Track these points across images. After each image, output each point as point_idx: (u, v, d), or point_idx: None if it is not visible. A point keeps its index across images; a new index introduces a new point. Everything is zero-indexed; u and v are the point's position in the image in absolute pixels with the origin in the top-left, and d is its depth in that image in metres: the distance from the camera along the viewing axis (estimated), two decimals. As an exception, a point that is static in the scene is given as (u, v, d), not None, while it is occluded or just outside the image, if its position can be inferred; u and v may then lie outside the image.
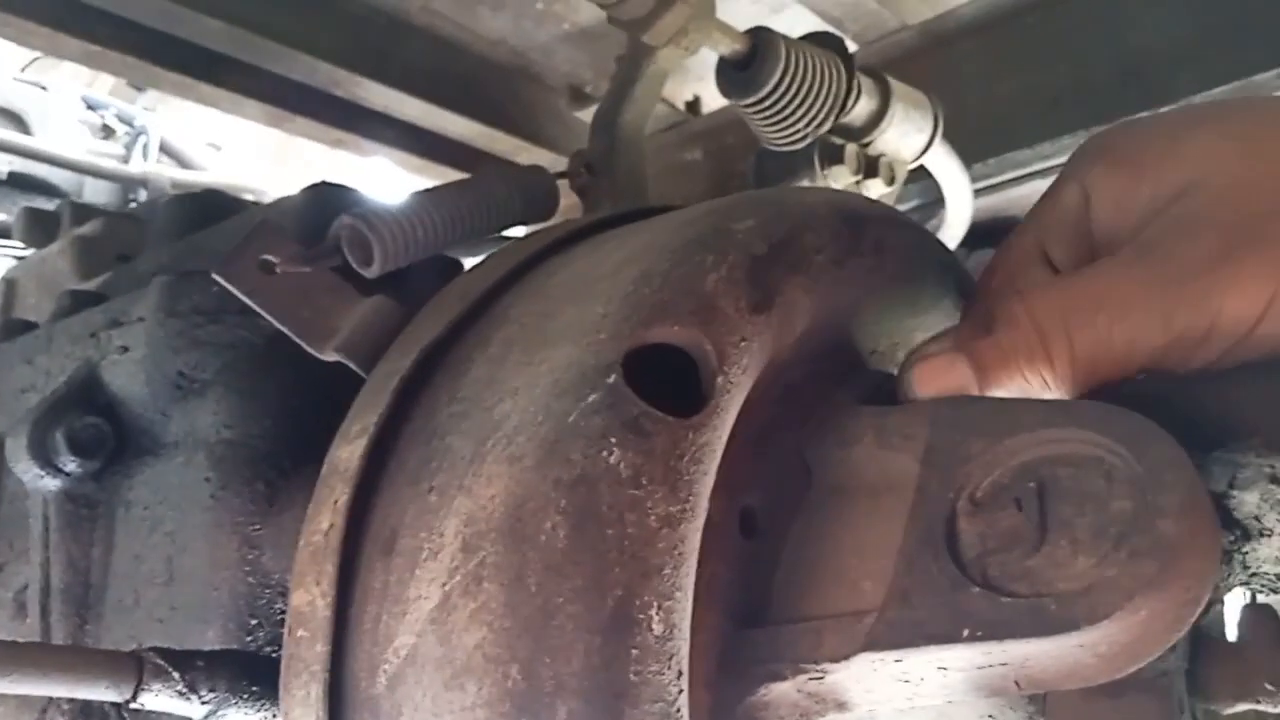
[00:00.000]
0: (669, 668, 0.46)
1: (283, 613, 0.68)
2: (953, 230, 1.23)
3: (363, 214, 0.68)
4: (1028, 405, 0.53)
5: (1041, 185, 0.65)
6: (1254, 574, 0.52)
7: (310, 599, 0.55)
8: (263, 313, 0.65)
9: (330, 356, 0.65)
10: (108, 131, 2.22)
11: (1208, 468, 0.51)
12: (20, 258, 1.58)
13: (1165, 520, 0.44)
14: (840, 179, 1.04)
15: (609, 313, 0.54)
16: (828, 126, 0.94)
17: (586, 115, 1.70)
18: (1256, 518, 0.50)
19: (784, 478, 0.58)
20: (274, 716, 0.60)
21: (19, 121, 2.11)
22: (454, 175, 1.63)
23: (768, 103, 0.91)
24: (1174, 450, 0.46)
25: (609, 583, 0.46)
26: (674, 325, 0.52)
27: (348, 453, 0.58)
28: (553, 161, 1.54)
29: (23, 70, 2.35)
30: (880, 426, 0.57)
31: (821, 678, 0.50)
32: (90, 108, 2.24)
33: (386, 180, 2.05)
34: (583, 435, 0.49)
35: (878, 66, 1.05)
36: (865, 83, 0.98)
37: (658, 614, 0.46)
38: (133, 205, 2.03)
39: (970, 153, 1.23)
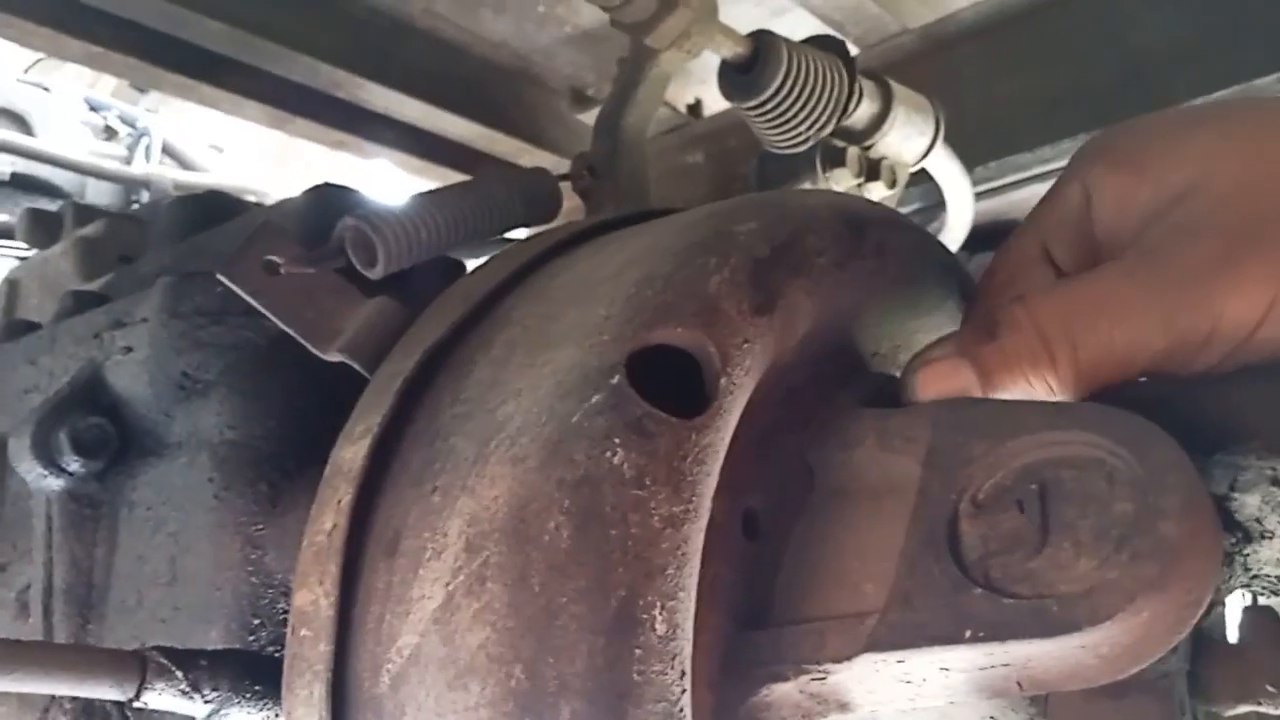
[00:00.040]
0: (672, 668, 0.46)
1: (285, 613, 0.68)
2: (954, 233, 1.23)
3: (366, 215, 0.69)
4: (1030, 407, 0.53)
5: (1042, 189, 0.65)
6: (1255, 576, 0.52)
7: (313, 598, 0.55)
8: (267, 313, 0.65)
9: (334, 357, 0.65)
10: (110, 133, 2.22)
11: (1209, 470, 0.51)
12: (23, 259, 1.59)
13: (1167, 522, 0.45)
14: (842, 182, 1.04)
15: (612, 314, 0.54)
16: (830, 129, 0.94)
17: (588, 118, 1.71)
18: (1258, 520, 0.50)
19: (786, 480, 0.58)
20: (277, 716, 0.60)
21: (22, 123, 2.11)
22: (455, 177, 1.63)
23: (770, 105, 0.91)
24: (1176, 452, 0.47)
25: (612, 583, 0.46)
26: (677, 327, 0.52)
27: (351, 453, 0.58)
28: (554, 164, 1.54)
29: (25, 72, 2.35)
30: (882, 429, 0.57)
31: (824, 678, 0.51)
32: (93, 109, 2.25)
33: (387, 182, 2.06)
34: (586, 436, 0.49)
35: (878, 70, 1.05)
36: (867, 86, 0.98)
37: (661, 614, 0.46)
38: (135, 207, 2.04)
39: (971, 156, 1.24)
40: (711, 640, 0.52)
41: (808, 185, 1.05)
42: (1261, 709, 0.51)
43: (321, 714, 0.53)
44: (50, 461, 0.76)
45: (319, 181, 0.83)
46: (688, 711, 0.47)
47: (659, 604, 0.46)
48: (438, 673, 0.49)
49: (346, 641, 0.54)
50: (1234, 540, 0.51)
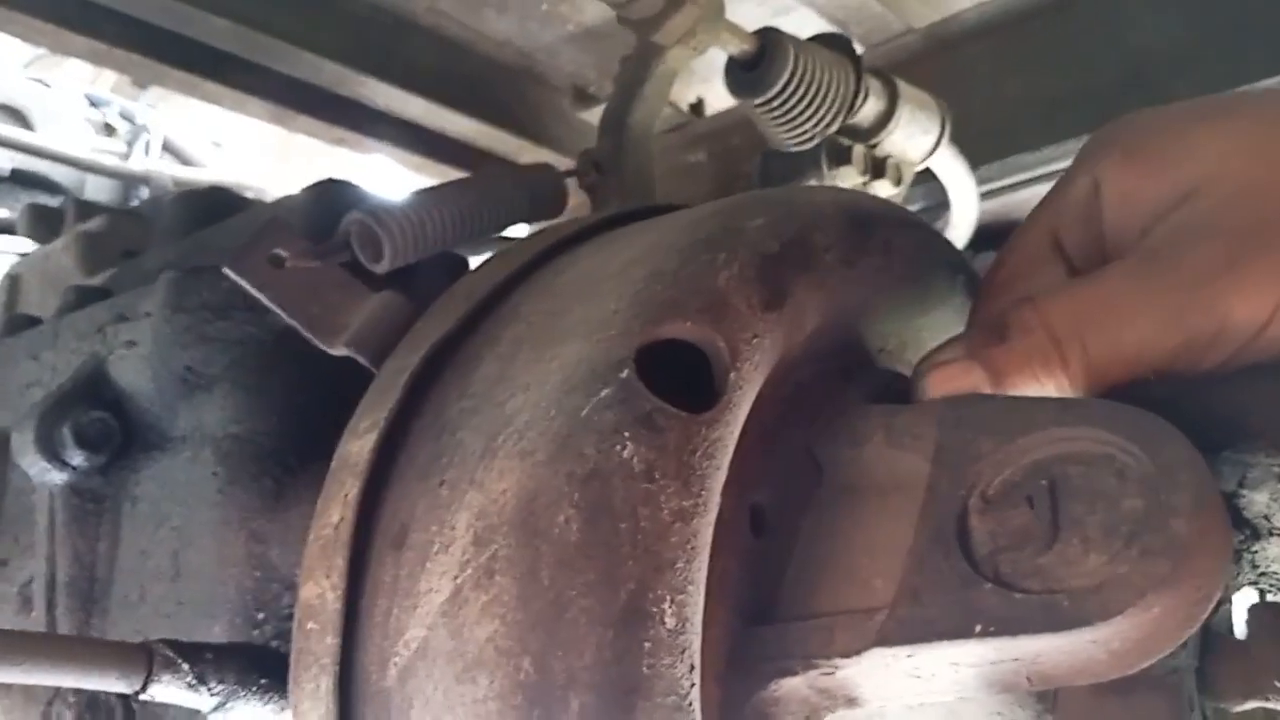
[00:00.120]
0: (681, 661, 0.46)
1: (289, 607, 0.68)
2: (958, 233, 1.23)
3: (372, 210, 0.69)
4: (1038, 404, 0.53)
5: (1045, 189, 0.65)
6: (1263, 573, 0.52)
7: (320, 592, 0.55)
8: (273, 307, 0.65)
9: (340, 351, 0.65)
10: (110, 129, 2.22)
11: (1217, 468, 0.51)
12: (23, 254, 1.58)
13: (1178, 519, 0.44)
14: (847, 180, 1.04)
15: (620, 309, 0.54)
16: (835, 127, 0.94)
17: (590, 116, 1.71)
18: (1266, 517, 0.50)
19: (794, 476, 0.58)
20: (283, 710, 0.60)
21: (22, 118, 2.11)
22: (457, 175, 1.62)
23: (776, 103, 0.91)
24: (1186, 449, 0.47)
25: (621, 576, 0.46)
26: (686, 321, 0.52)
27: (358, 447, 0.58)
28: (556, 162, 1.53)
29: (26, 67, 2.35)
30: (890, 425, 0.57)
31: (832, 673, 0.50)
32: (93, 105, 2.25)
33: (388, 179, 2.05)
34: (595, 430, 0.49)
35: (883, 69, 1.05)
36: (873, 84, 0.99)
37: (670, 607, 0.46)
38: (135, 203, 2.03)
39: (975, 156, 1.24)
40: (719, 635, 0.52)
41: (813, 183, 1.05)
42: (1269, 705, 0.51)
43: (328, 707, 0.53)
44: (53, 455, 0.76)
45: (321, 178, 0.83)
46: (696, 705, 0.47)
47: (668, 597, 0.46)
48: (446, 666, 0.48)
49: (354, 635, 0.54)
50: (1242, 537, 0.51)
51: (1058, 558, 0.46)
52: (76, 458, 0.76)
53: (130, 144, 2.19)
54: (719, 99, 1.68)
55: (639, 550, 0.46)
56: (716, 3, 0.90)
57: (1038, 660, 0.46)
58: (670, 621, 0.46)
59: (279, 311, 0.66)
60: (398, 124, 1.67)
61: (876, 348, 0.66)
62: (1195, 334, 0.53)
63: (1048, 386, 0.55)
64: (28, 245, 1.38)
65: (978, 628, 0.46)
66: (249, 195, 1.21)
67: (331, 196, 0.80)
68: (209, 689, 0.57)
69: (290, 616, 0.62)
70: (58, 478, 0.77)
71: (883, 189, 1.06)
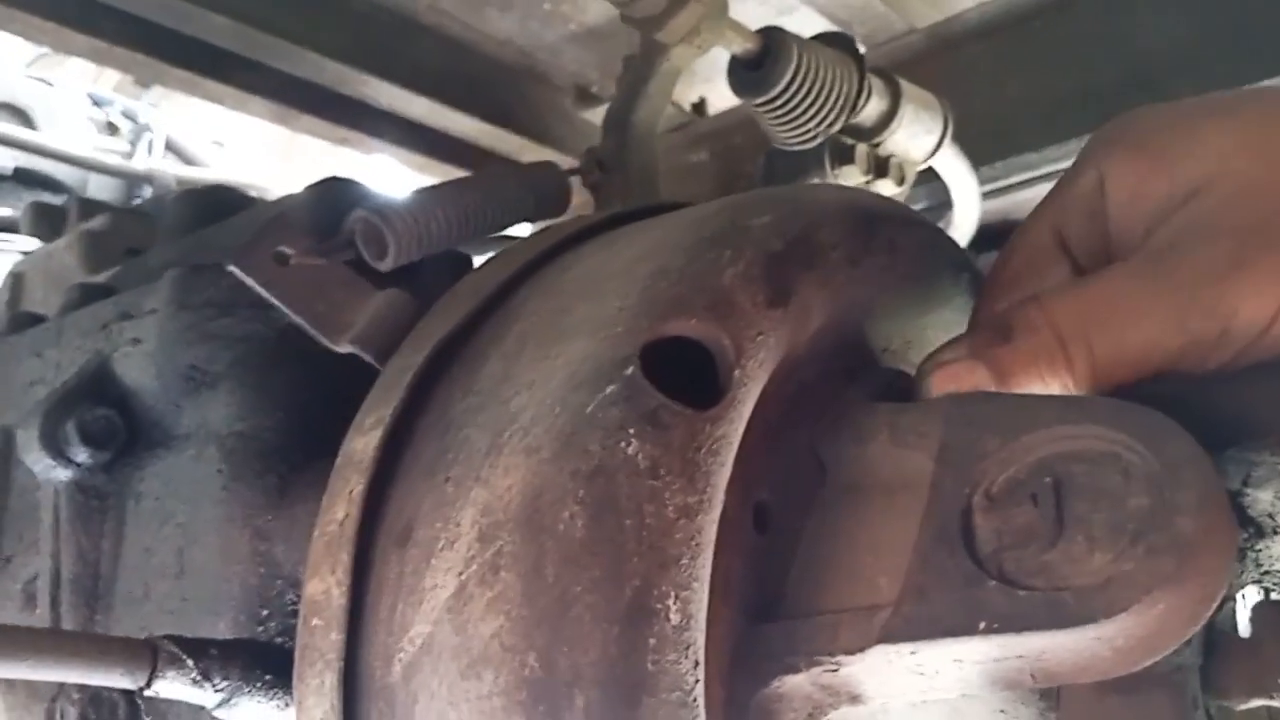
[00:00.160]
0: (686, 657, 0.46)
1: (294, 604, 0.68)
2: (960, 232, 1.24)
3: (377, 208, 0.69)
4: (1043, 402, 0.53)
5: (1047, 189, 0.65)
6: (1266, 572, 0.52)
7: (325, 588, 0.55)
8: (278, 304, 0.65)
9: (345, 349, 0.65)
10: (113, 128, 2.23)
11: (1222, 466, 0.51)
12: (25, 253, 1.58)
13: (1183, 517, 0.45)
14: (850, 179, 1.04)
15: (625, 307, 0.54)
16: (839, 126, 0.94)
17: (592, 115, 1.71)
18: (1270, 515, 0.50)
19: (798, 474, 0.58)
20: (287, 706, 0.60)
21: (24, 117, 2.12)
22: (459, 174, 1.63)
23: (779, 102, 0.91)
24: (1192, 447, 0.47)
25: (627, 573, 0.46)
26: (691, 319, 0.52)
27: (363, 444, 0.58)
28: (558, 162, 1.54)
29: (29, 67, 2.35)
30: (894, 424, 0.57)
31: (836, 670, 0.50)
32: (95, 104, 2.25)
33: (391, 179, 2.06)
34: (600, 427, 0.49)
35: (885, 69, 1.05)
36: (876, 83, 0.99)
37: (675, 604, 0.46)
38: (137, 202, 2.04)
39: (977, 155, 1.24)
40: (723, 632, 0.52)
41: (817, 181, 1.05)
42: (1273, 703, 0.51)
43: (333, 703, 0.53)
44: (58, 453, 0.76)
45: (324, 176, 0.83)
46: (701, 701, 0.47)
47: (673, 594, 0.46)
48: (450, 662, 0.49)
49: (358, 631, 0.54)
50: (1246, 536, 0.51)
51: (1062, 555, 0.47)
52: (81, 455, 0.76)
53: (133, 143, 2.20)
54: (721, 99, 1.68)
55: (644, 547, 0.46)
56: (720, 1, 0.90)
57: (1042, 657, 0.46)
58: (675, 618, 0.46)
59: (284, 309, 0.66)
60: (401, 123, 1.67)
61: (880, 346, 0.66)
62: (1200, 334, 0.53)
63: (1052, 386, 0.55)
64: (31, 244, 1.38)
65: (982, 625, 0.46)
66: (252, 195, 1.21)
67: (335, 194, 0.80)
68: (213, 685, 0.57)
69: (295, 613, 0.62)
70: (62, 475, 0.77)
71: (885, 188, 1.06)
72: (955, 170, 1.16)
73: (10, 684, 0.78)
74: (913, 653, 0.49)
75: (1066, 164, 0.65)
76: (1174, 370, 0.54)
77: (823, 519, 0.57)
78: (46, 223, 1.31)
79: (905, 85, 1.02)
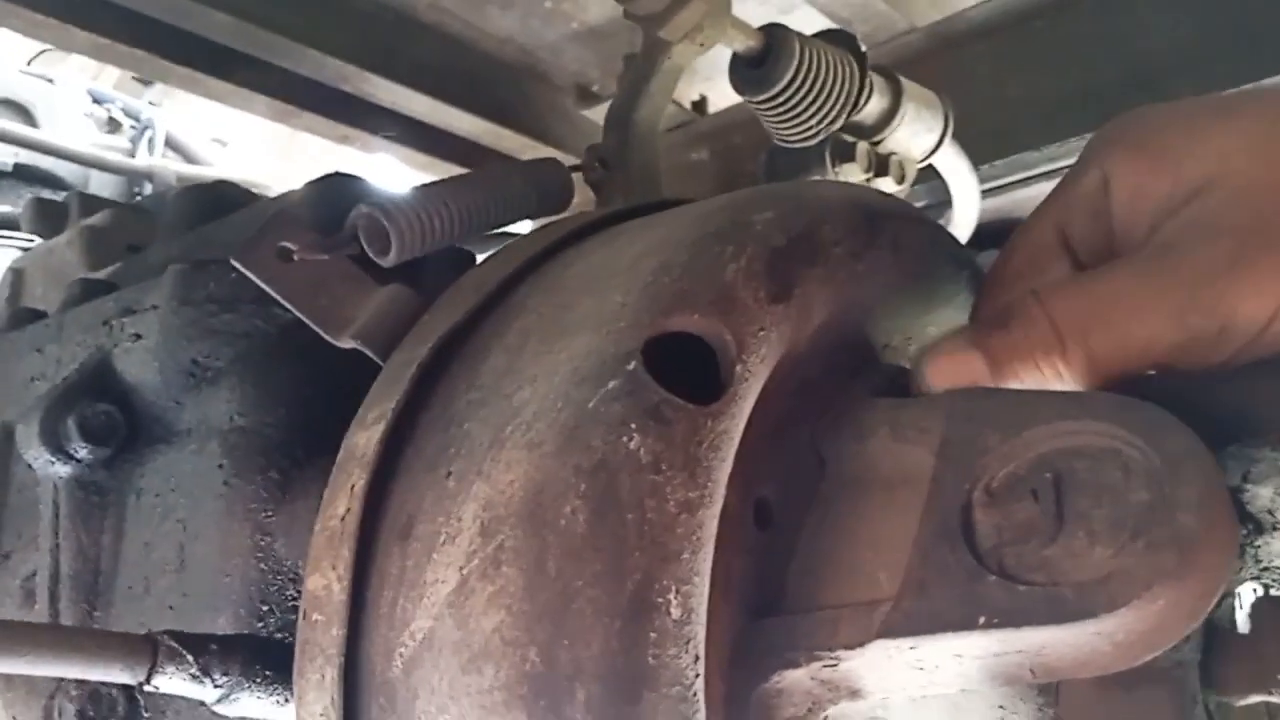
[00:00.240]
0: (686, 652, 0.46)
1: (294, 599, 0.68)
2: (960, 230, 1.24)
3: (380, 204, 0.69)
4: (1044, 397, 0.53)
5: (1048, 188, 0.65)
6: (1266, 568, 0.52)
7: (326, 583, 0.55)
8: (281, 300, 0.65)
9: (347, 344, 0.65)
10: (114, 125, 2.23)
11: (1222, 462, 0.51)
12: (26, 249, 1.58)
13: (1184, 513, 0.45)
14: (851, 177, 1.04)
15: (628, 302, 0.54)
16: (840, 124, 0.94)
17: (593, 114, 1.71)
18: (1270, 511, 0.50)
19: (799, 470, 0.58)
20: (287, 701, 0.60)
21: (25, 114, 2.12)
22: (459, 172, 1.63)
23: (781, 99, 0.91)
24: (1192, 442, 0.47)
25: (628, 567, 0.46)
26: (694, 314, 0.52)
27: (365, 438, 0.58)
28: (559, 159, 1.54)
29: (29, 63, 2.35)
30: (895, 420, 0.57)
31: (835, 665, 0.51)
32: (96, 101, 2.25)
33: (391, 177, 2.06)
34: (603, 421, 0.49)
35: (886, 67, 1.05)
36: (877, 81, 0.99)
37: (676, 598, 0.46)
38: (138, 199, 2.04)
39: (977, 154, 1.24)
40: (723, 627, 0.52)
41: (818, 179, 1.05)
42: (1272, 699, 0.52)
43: (333, 698, 0.53)
44: (58, 448, 0.76)
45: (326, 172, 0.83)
46: (701, 696, 0.47)
47: (674, 588, 0.46)
48: (451, 656, 0.49)
49: (359, 626, 0.54)
50: (1246, 532, 0.51)
51: (1062, 550, 0.47)
52: (81, 451, 0.76)
53: (134, 141, 2.20)
54: (721, 97, 1.68)
55: (645, 541, 0.46)
56: (723, -1, 0.90)
57: (1042, 652, 0.46)
58: (676, 613, 0.46)
59: (286, 304, 0.66)
60: (402, 121, 1.67)
61: (881, 343, 0.66)
62: (1199, 331, 0.53)
63: (1048, 378, 0.55)
64: (32, 240, 1.38)
65: (982, 619, 0.46)
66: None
67: (338, 190, 0.80)
68: (213, 680, 0.57)
69: (295, 608, 0.62)
70: (62, 471, 0.77)
71: (886, 186, 1.06)
72: (955, 168, 1.16)
73: (9, 680, 0.78)
74: (912, 648, 0.49)
75: (1066, 163, 0.65)
76: (1174, 367, 0.55)
77: (823, 514, 0.57)
78: (47, 219, 1.31)
79: (906, 83, 1.02)
